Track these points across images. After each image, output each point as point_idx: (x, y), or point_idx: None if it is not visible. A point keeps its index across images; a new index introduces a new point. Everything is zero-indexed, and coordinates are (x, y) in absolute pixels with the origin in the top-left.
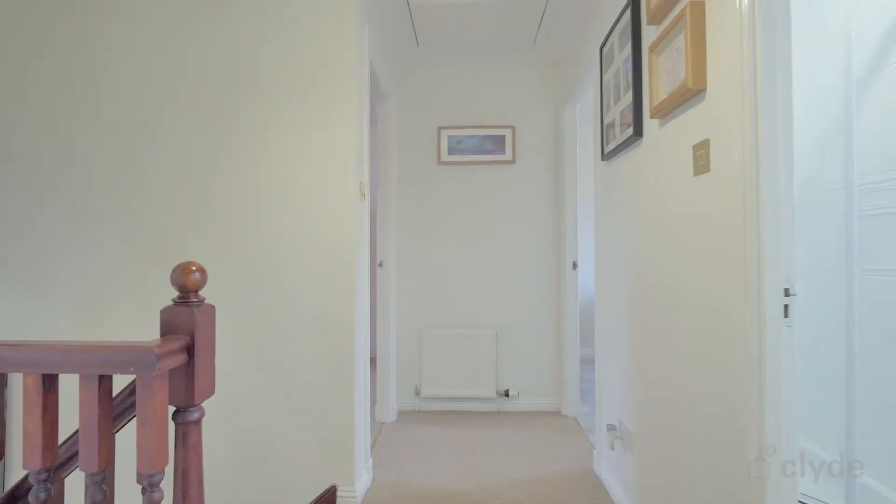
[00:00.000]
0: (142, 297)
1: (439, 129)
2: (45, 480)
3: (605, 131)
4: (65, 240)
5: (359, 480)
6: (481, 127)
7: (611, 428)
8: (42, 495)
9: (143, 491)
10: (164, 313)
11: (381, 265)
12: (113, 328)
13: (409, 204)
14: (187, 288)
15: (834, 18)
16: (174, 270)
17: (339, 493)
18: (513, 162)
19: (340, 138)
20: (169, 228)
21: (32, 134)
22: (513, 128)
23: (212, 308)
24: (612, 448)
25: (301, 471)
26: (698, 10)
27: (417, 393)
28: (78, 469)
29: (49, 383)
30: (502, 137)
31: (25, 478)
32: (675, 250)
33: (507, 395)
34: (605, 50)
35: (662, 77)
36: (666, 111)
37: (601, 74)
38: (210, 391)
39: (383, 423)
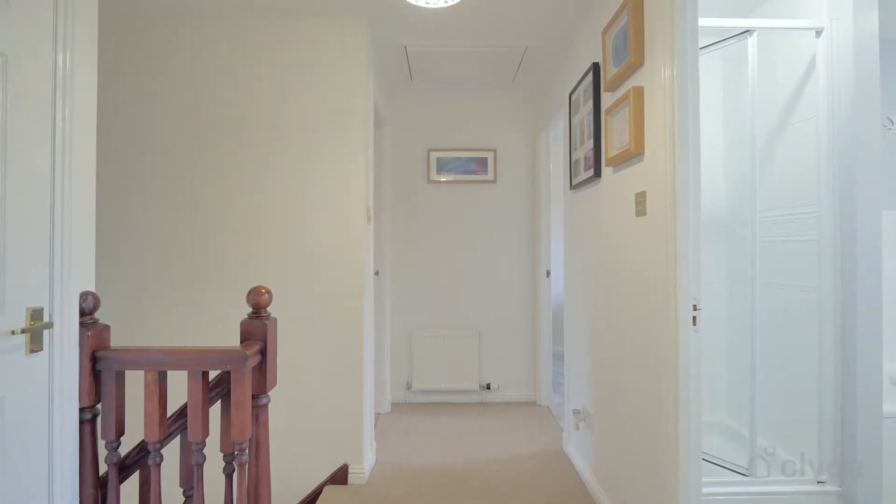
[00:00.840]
0: (203, 300)
1: (429, 151)
2: (159, 449)
3: (572, 166)
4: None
5: (366, 460)
6: (466, 150)
7: (576, 412)
8: (158, 459)
9: (228, 457)
10: (244, 324)
11: (377, 273)
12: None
13: (401, 218)
14: (260, 306)
15: (745, 91)
16: (249, 293)
17: (350, 471)
18: (494, 181)
19: (352, 172)
20: (226, 243)
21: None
22: (494, 151)
23: (275, 320)
24: (577, 429)
25: (318, 451)
26: (638, 93)
27: (409, 387)
28: (183, 440)
29: (162, 378)
30: (485, 159)
31: (134, 448)
32: (620, 270)
33: (488, 387)
34: (573, 97)
35: (614, 136)
36: (617, 163)
37: (570, 117)
38: (274, 382)
39: (379, 414)
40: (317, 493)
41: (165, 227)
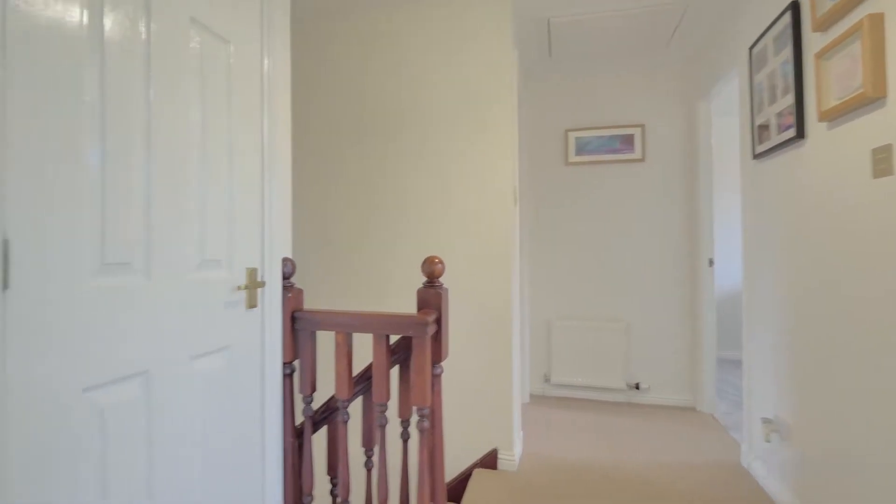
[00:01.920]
0: (359, 275)
1: (566, 131)
2: (346, 407)
3: (756, 132)
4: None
5: (515, 447)
6: (609, 127)
7: (766, 421)
8: (346, 416)
9: (406, 422)
10: (420, 293)
11: None
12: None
13: (537, 203)
14: (434, 275)
15: None
16: (424, 262)
17: (499, 457)
18: (642, 160)
19: (497, 153)
20: (381, 224)
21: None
22: (642, 126)
23: (447, 290)
24: (768, 440)
25: (466, 433)
26: (877, 21)
27: (547, 379)
28: (364, 402)
29: (349, 340)
30: (631, 136)
31: (321, 406)
32: (844, 250)
33: (637, 387)
34: (755, 51)
35: (833, 82)
36: (837, 115)
37: (751, 75)
38: (447, 353)
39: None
40: (466, 475)
41: (330, 206)
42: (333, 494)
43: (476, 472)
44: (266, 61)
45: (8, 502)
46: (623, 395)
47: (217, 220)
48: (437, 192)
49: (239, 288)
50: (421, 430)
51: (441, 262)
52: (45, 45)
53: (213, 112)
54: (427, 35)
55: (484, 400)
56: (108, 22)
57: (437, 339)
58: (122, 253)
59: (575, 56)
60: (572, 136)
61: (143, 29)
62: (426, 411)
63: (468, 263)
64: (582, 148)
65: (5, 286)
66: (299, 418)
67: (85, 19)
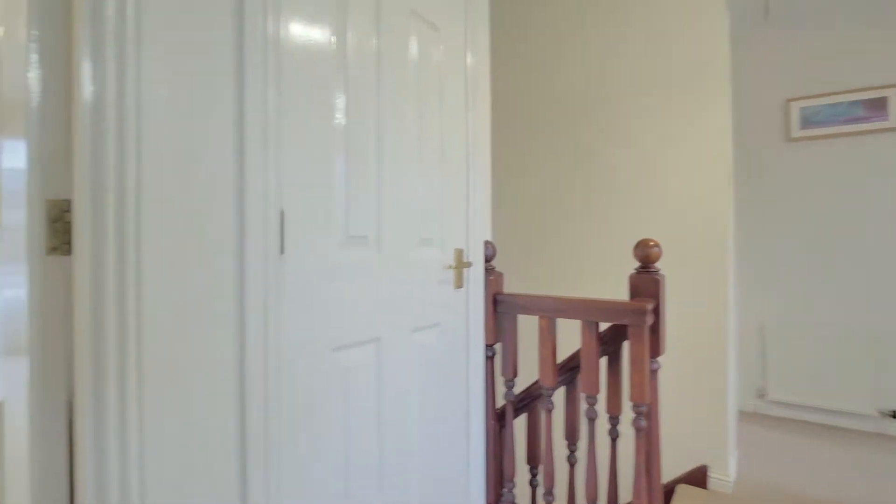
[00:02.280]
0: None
1: (787, 101)
2: (550, 395)
3: None
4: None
5: (730, 467)
6: (850, 91)
7: None
8: (550, 404)
9: (615, 419)
10: (633, 279)
11: None
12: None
13: (748, 186)
14: (649, 260)
15: None
16: (637, 245)
17: (711, 476)
18: None
19: (709, 131)
20: (571, 215)
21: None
22: None
23: (664, 277)
24: None
25: (671, 444)
26: None
27: (761, 395)
28: (568, 393)
29: (553, 326)
30: (883, 100)
31: (522, 392)
32: None
33: (894, 416)
34: None
35: None
36: None
37: None
38: (664, 348)
39: None
40: (668, 489)
41: (525, 193)
42: (533, 484)
43: (680, 487)
44: (469, 52)
45: (284, 437)
46: (871, 423)
47: (430, 203)
48: (641, 175)
49: (448, 267)
50: (637, 430)
51: (657, 244)
52: (305, 66)
53: (427, 107)
54: (627, 8)
55: (692, 410)
56: (350, 33)
57: (655, 331)
58: (361, 227)
59: (799, 11)
60: (796, 106)
61: (373, 30)
62: (643, 409)
63: (676, 252)
64: (809, 119)
65: (282, 251)
66: (498, 402)
67: (332, 38)
